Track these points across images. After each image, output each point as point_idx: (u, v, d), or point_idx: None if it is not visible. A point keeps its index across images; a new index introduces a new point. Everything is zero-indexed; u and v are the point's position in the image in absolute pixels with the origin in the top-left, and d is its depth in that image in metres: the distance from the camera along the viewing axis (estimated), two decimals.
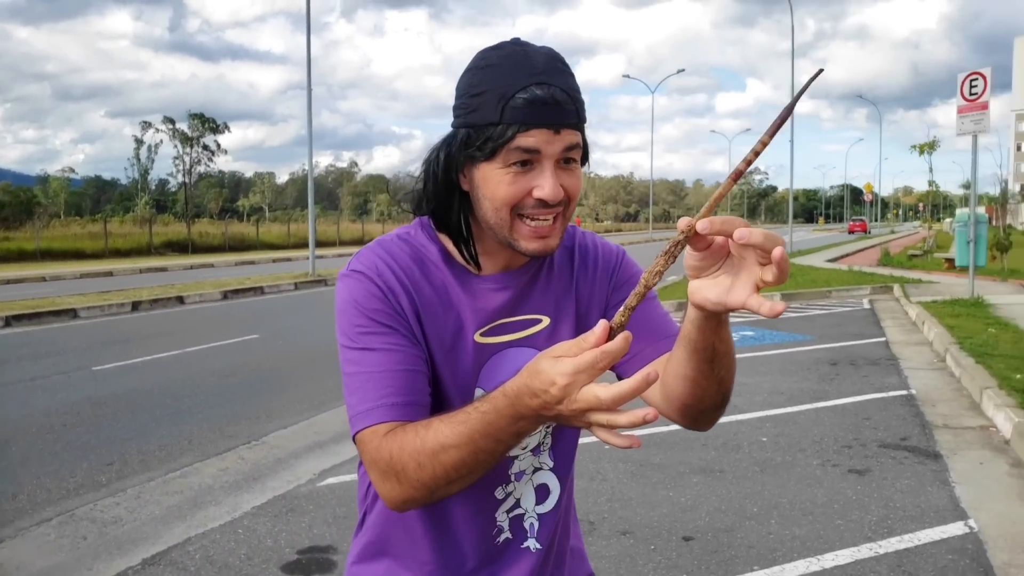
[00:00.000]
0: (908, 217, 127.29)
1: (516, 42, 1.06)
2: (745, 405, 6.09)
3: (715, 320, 0.91)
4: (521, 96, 0.99)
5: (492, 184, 1.03)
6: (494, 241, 1.10)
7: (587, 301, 1.20)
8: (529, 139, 1.00)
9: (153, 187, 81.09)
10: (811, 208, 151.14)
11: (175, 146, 64.90)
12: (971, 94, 10.72)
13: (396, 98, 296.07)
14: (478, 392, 1.11)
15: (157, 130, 65.53)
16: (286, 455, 5.30)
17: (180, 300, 15.00)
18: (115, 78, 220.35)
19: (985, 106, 10.63)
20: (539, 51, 1.03)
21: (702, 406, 1.04)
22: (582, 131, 1.05)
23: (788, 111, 0.83)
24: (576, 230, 1.25)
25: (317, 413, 6.37)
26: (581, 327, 1.16)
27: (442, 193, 1.08)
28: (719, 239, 0.84)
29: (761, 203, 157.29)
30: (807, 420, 5.66)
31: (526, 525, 1.19)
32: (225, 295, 16.09)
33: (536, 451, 1.19)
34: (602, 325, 0.83)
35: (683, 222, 0.82)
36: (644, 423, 0.81)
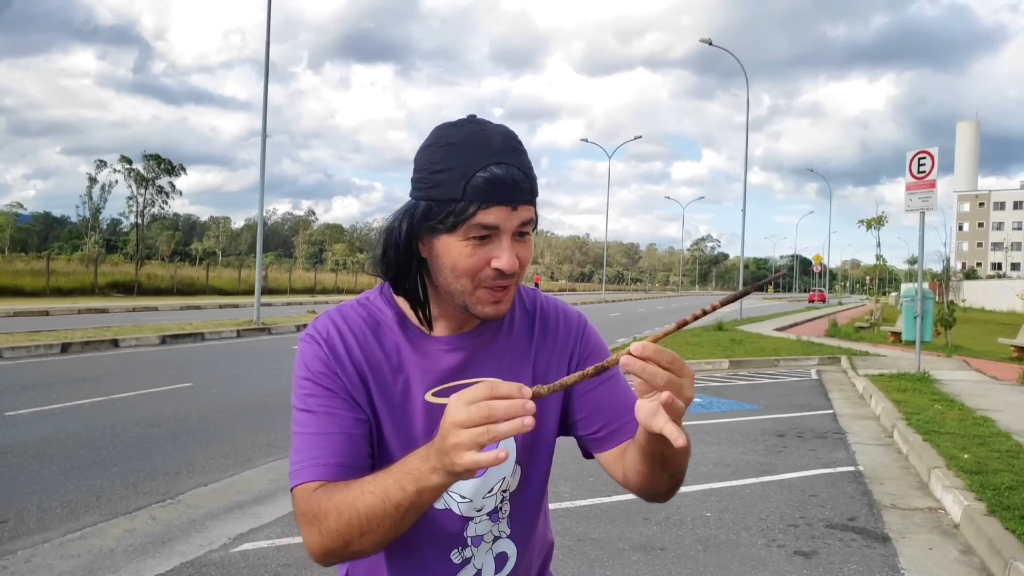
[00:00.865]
0: (855, 289, 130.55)
1: (473, 120, 1.12)
2: (690, 477, 5.84)
3: (658, 433, 0.96)
4: (481, 175, 1.05)
5: (453, 255, 1.08)
6: (449, 304, 1.15)
7: (545, 368, 1.23)
8: (489, 216, 1.05)
9: (104, 227, 79.34)
10: (760, 277, 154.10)
11: (129, 186, 63.75)
12: (919, 172, 10.95)
13: (358, 150, 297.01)
14: None
15: (114, 170, 64.40)
16: (202, 516, 4.92)
17: (115, 343, 14.36)
18: (74, 116, 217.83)
19: (932, 184, 10.86)
20: (496, 130, 1.10)
21: (654, 491, 1.15)
22: (535, 205, 1.12)
23: (743, 294, 1.00)
24: (538, 294, 1.30)
25: (242, 470, 5.98)
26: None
27: (402, 259, 1.13)
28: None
29: (712, 270, 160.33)
30: (753, 495, 5.46)
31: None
32: (163, 340, 15.48)
33: (494, 517, 1.20)
34: (524, 387, 0.89)
35: (623, 356, 0.94)
36: (497, 464, 0.88)
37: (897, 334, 18.85)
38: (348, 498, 1.00)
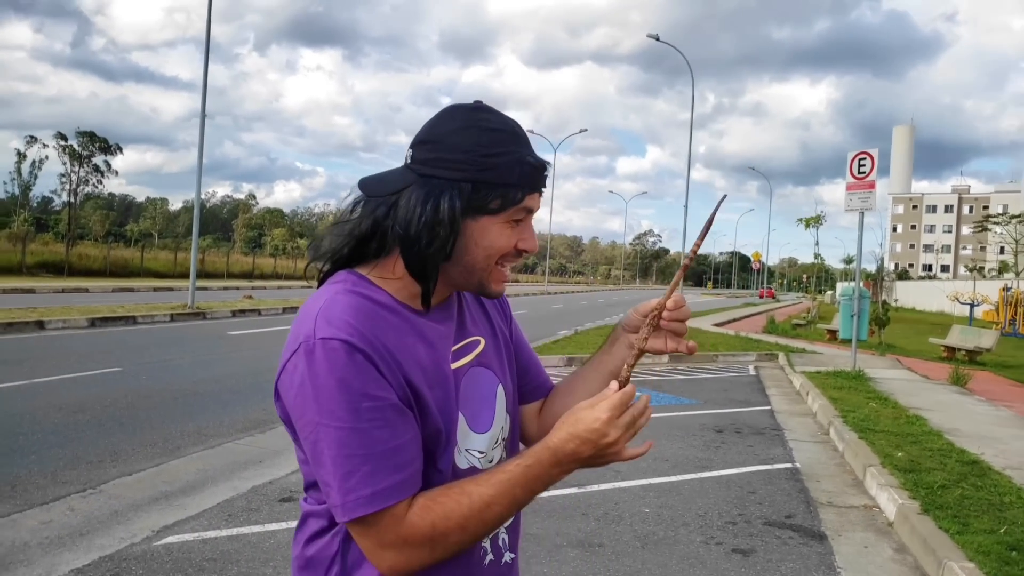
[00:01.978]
0: (792, 287, 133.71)
1: (492, 108, 1.16)
2: (628, 471, 5.86)
3: (618, 356, 1.29)
4: (531, 162, 1.12)
5: (491, 236, 1.12)
6: (443, 281, 1.17)
7: (491, 318, 1.33)
8: (533, 201, 1.15)
9: (35, 204, 76.37)
10: (700, 272, 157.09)
11: (63, 163, 61.43)
12: (859, 172, 11.16)
13: (302, 134, 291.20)
14: (460, 416, 1.16)
15: (44, 145, 61.93)
16: (125, 507, 4.69)
17: (40, 325, 13.76)
18: (7, 89, 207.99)
19: (872, 185, 11.07)
20: (514, 120, 1.16)
21: None
22: None
23: (706, 228, 1.19)
24: None
25: (170, 459, 5.75)
26: (500, 344, 1.31)
27: (447, 238, 1.10)
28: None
29: (653, 264, 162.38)
30: (691, 491, 5.46)
31: (500, 542, 1.24)
32: (93, 323, 14.89)
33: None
34: (614, 383, 1.09)
35: (655, 303, 1.23)
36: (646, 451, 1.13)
37: (833, 332, 19.31)
38: (472, 512, 1.04)
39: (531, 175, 1.12)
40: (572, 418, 1.04)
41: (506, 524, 1.25)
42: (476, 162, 1.09)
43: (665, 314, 1.19)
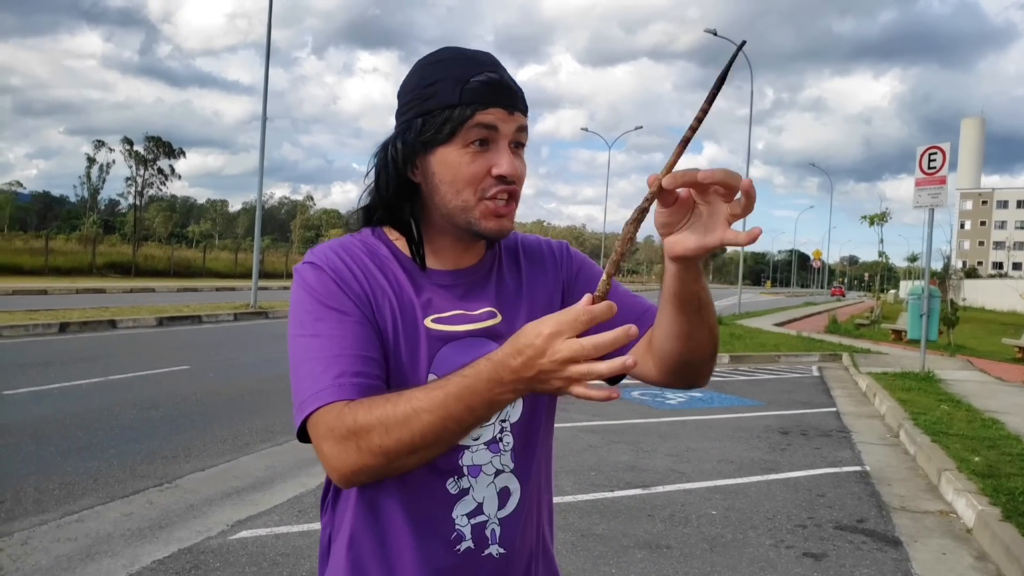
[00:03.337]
0: (853, 286, 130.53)
1: (466, 48, 1.11)
2: (693, 473, 5.81)
3: (694, 270, 0.98)
4: (478, 79, 1.05)
5: (452, 166, 1.06)
6: (447, 237, 1.14)
7: (540, 297, 1.21)
8: (488, 116, 1.05)
9: (103, 207, 79.16)
10: (759, 271, 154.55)
11: (129, 167, 63.53)
12: (930, 168, 10.82)
13: (359, 136, 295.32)
14: (431, 378, 1.08)
15: (111, 149, 64.17)
16: (199, 501, 4.83)
17: (112, 324, 14.27)
18: (79, 96, 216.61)
19: (943, 180, 10.73)
20: (487, 56, 1.11)
21: (698, 358, 1.08)
22: (526, 118, 1.12)
23: (718, 84, 0.90)
24: (517, 233, 1.26)
25: (239, 456, 5.89)
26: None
27: (396, 188, 1.11)
28: (683, 193, 0.92)
29: (710, 263, 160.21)
30: (758, 493, 5.38)
31: (487, 532, 1.13)
32: (160, 322, 15.38)
33: (493, 447, 1.14)
34: (585, 297, 0.87)
35: (651, 178, 0.90)
36: (625, 371, 0.87)
37: (898, 332, 18.78)
38: (396, 414, 0.93)
39: (478, 90, 1.05)
40: (517, 334, 0.89)
41: (499, 515, 1.15)
42: (419, 95, 1.08)
43: (668, 183, 0.89)
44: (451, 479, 1.12)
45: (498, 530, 1.15)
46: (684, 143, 0.88)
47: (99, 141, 66.06)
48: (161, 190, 67.14)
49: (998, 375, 12.32)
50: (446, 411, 0.92)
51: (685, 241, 0.94)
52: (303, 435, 1.04)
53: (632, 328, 0.84)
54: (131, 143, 63.03)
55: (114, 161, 67.17)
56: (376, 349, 1.06)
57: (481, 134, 1.06)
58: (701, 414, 8.18)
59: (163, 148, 63.94)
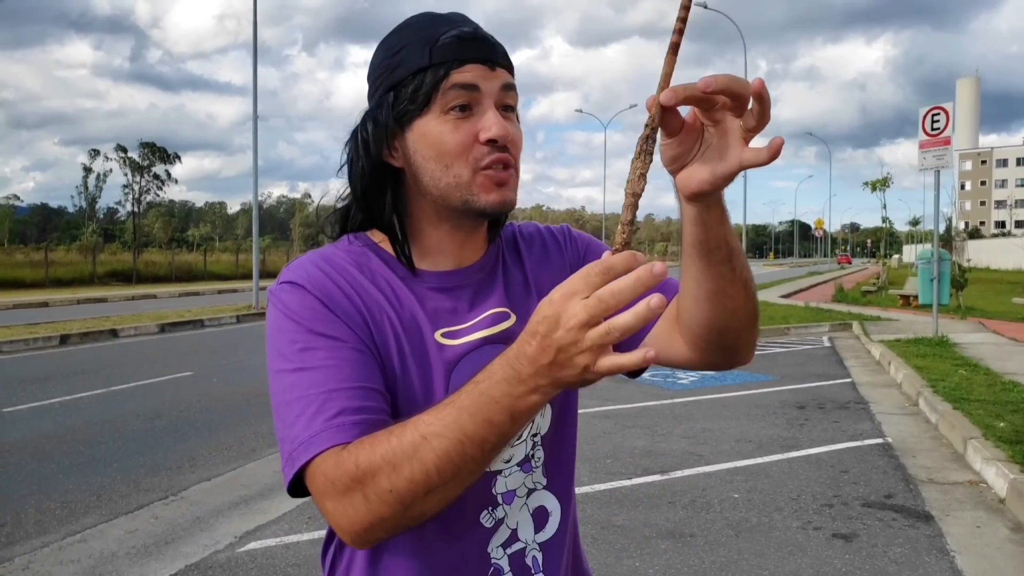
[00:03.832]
0: (856, 253, 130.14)
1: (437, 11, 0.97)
2: (712, 455, 5.65)
3: (718, 208, 0.82)
4: (449, 35, 0.91)
5: (433, 138, 0.92)
6: (443, 230, 0.98)
7: (549, 288, 0.91)
8: (465, 74, 0.91)
9: (101, 216, 79.07)
10: (761, 243, 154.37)
11: (125, 174, 63.40)
12: (933, 129, 10.61)
13: None
14: None
15: (107, 158, 63.99)
16: (206, 513, 4.69)
17: (114, 333, 14.14)
18: (71, 107, 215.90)
19: (948, 141, 10.53)
20: (446, 13, 0.96)
21: (736, 323, 0.91)
22: (512, 75, 0.97)
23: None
24: (513, 223, 1.13)
25: (246, 462, 5.76)
26: None
27: (372, 177, 0.96)
28: (688, 117, 0.78)
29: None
30: (780, 473, 5.23)
31: (528, 561, 0.99)
32: (163, 328, 15.25)
33: (526, 467, 1.00)
34: (607, 252, 0.70)
35: (648, 101, 0.74)
36: (646, 364, 0.69)
37: (906, 297, 18.59)
38: (403, 447, 0.76)
39: (450, 46, 0.91)
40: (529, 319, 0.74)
41: (537, 539, 1.01)
42: (386, 66, 0.95)
43: (666, 99, 0.73)
44: (485, 511, 0.97)
45: (539, 556, 1.01)
46: (673, 49, 0.73)
47: (94, 150, 65.91)
48: (159, 195, 67.12)
49: (1012, 336, 12.13)
50: (462, 431, 0.74)
51: (699, 173, 0.78)
52: (296, 490, 0.86)
53: (655, 298, 0.66)
54: (125, 150, 62.88)
55: (111, 170, 67.12)
56: (378, 379, 0.89)
57: (460, 96, 0.91)
58: (714, 392, 8.02)
59: (158, 153, 63.80)
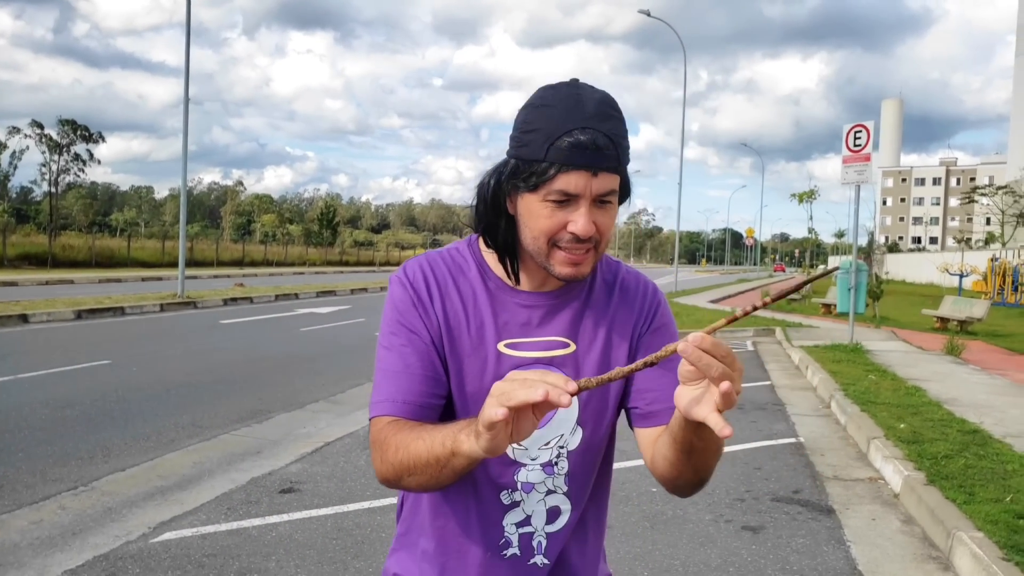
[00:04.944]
0: (786, 262, 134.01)
1: (573, 84, 1.14)
2: (633, 451, 5.71)
3: (693, 422, 0.99)
4: (566, 139, 1.08)
5: (533, 215, 1.13)
6: (532, 261, 1.20)
7: (620, 333, 1.26)
8: (568, 180, 1.09)
9: (14, 195, 75.62)
10: (694, 250, 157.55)
11: (43, 152, 60.61)
12: (855, 145, 11.06)
13: (293, 119, 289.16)
14: None
15: (27, 136, 61.05)
16: (118, 503, 4.57)
17: (23, 319, 13.55)
18: None
19: (868, 157, 10.98)
20: (592, 96, 1.11)
21: (678, 483, 1.16)
22: (622, 173, 1.14)
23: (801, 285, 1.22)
24: (621, 265, 1.33)
25: (164, 453, 5.62)
26: (607, 356, 1.24)
27: (490, 214, 1.19)
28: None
29: (647, 243, 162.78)
30: None
31: (534, 543, 1.24)
32: (79, 315, 14.69)
33: (548, 470, 1.23)
34: (572, 383, 0.90)
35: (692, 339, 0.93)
36: (501, 419, 0.90)
37: (828, 305, 19.30)
38: (407, 439, 1.09)
39: (565, 152, 1.08)
40: None
41: (547, 529, 1.25)
42: (517, 139, 1.14)
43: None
44: (505, 491, 1.23)
45: (544, 543, 1.25)
46: (732, 319, 0.98)
47: (13, 127, 62.84)
48: (79, 176, 64.38)
49: (919, 344, 12.75)
50: (431, 444, 1.05)
51: (682, 399, 0.98)
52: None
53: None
54: (41, 127, 60.08)
55: (28, 147, 64.01)
56: (436, 369, 1.19)
57: (559, 196, 1.10)
58: None
59: (79, 132, 61.20)
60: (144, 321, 14.78)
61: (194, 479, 5.06)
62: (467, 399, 1.20)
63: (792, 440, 6.27)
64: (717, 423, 0.91)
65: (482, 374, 1.20)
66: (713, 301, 24.30)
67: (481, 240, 1.25)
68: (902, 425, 6.13)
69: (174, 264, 37.11)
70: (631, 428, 1.28)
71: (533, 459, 1.22)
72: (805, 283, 1.11)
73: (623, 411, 1.29)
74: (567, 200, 1.10)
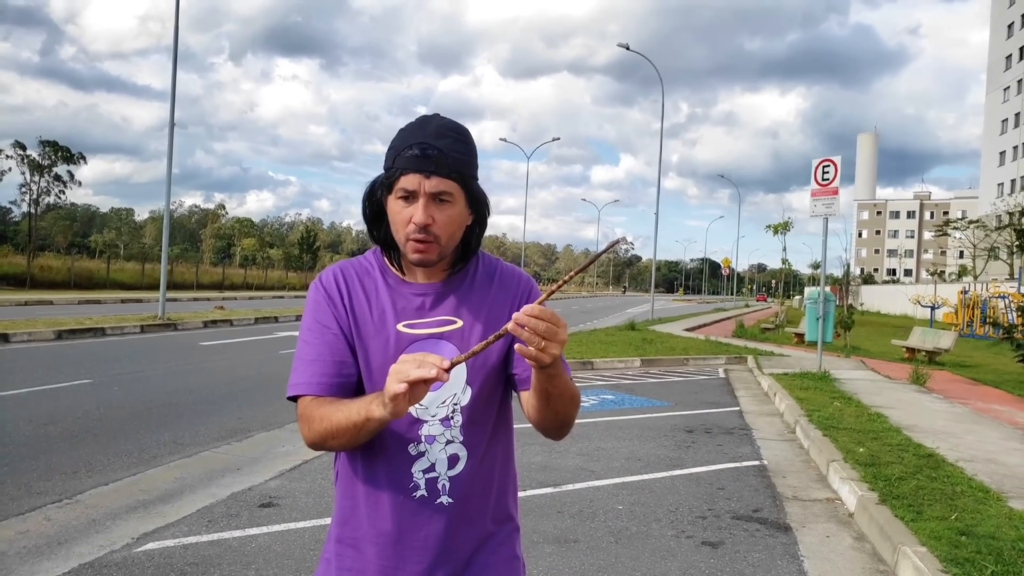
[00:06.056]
0: (761, 292, 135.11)
1: (432, 115, 1.46)
2: (602, 471, 6.00)
3: (543, 372, 1.32)
4: (407, 151, 1.42)
5: (392, 212, 1.45)
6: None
7: (498, 314, 1.53)
8: (405, 181, 1.41)
9: None
10: (672, 279, 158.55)
11: (23, 173, 60.24)
12: (823, 179, 11.45)
13: (276, 143, 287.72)
14: None
15: (7, 156, 60.68)
16: (102, 515, 4.71)
17: (4, 338, 13.56)
18: None
19: (835, 191, 11.37)
20: (439, 122, 1.45)
21: (545, 427, 1.48)
22: (459, 182, 1.43)
23: (587, 265, 1.38)
24: (500, 261, 1.63)
25: (146, 468, 5.76)
26: (489, 331, 1.49)
27: (370, 216, 1.51)
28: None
29: (626, 271, 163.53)
30: (663, 488, 5.61)
31: (439, 486, 1.48)
32: (59, 335, 14.72)
33: (446, 423, 1.49)
34: (444, 359, 1.23)
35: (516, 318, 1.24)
36: (399, 391, 1.22)
37: (800, 335, 19.65)
38: (327, 412, 1.39)
39: (405, 159, 1.40)
40: None
41: (449, 473, 1.49)
42: (388, 153, 1.46)
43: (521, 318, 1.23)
44: (412, 444, 1.48)
45: (448, 484, 1.48)
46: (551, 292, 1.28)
47: None
48: (60, 198, 63.98)
49: (887, 373, 13.07)
50: (348, 414, 1.35)
51: (521, 351, 1.27)
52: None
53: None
54: (23, 147, 59.79)
55: (10, 169, 63.61)
56: (346, 353, 1.48)
57: (402, 193, 1.42)
58: (612, 415, 8.41)
59: (61, 153, 60.93)
60: (125, 342, 14.82)
61: (176, 493, 5.20)
62: (373, 371, 1.47)
63: (756, 463, 6.51)
64: (521, 348, 1.24)
65: (385, 350, 1.48)
66: (688, 329, 24.61)
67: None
68: (861, 449, 6.39)
69: (154, 286, 36.99)
70: (516, 392, 1.55)
71: (433, 416, 1.49)
72: (589, 264, 1.36)
73: (509, 378, 1.56)
74: (409, 196, 1.41)
